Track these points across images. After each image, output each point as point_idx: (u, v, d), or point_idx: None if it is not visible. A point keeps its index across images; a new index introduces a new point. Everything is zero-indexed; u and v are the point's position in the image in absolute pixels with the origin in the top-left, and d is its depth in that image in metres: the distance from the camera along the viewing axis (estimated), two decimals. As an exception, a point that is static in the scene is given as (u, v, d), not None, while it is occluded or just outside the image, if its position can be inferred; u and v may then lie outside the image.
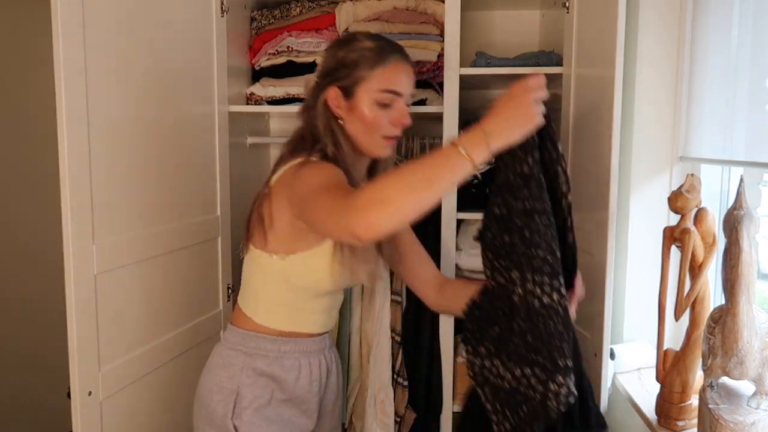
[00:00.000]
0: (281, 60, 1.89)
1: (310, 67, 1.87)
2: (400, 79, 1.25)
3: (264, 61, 1.92)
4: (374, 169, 1.36)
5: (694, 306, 1.26)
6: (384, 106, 1.24)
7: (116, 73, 1.30)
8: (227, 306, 1.78)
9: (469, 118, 1.69)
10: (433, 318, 1.76)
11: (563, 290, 1.07)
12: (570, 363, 1.07)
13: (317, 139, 1.25)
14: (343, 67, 1.24)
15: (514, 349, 1.11)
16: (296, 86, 1.87)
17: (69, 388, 1.21)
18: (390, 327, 1.77)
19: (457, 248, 1.78)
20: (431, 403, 1.79)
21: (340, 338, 1.81)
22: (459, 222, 1.78)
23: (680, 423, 1.27)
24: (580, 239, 1.48)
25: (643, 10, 1.55)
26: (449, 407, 1.80)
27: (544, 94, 0.99)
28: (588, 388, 1.21)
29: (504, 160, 1.08)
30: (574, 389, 1.07)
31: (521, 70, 1.76)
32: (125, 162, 1.34)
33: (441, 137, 1.76)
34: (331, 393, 1.40)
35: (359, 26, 1.83)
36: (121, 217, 1.33)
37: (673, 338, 1.44)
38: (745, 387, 1.16)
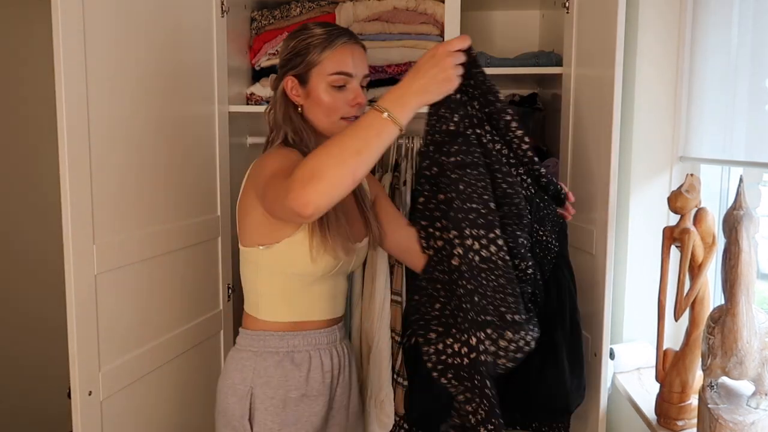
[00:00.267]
0: (281, 60, 1.89)
1: (310, 67, 1.87)
2: (349, 60, 1.28)
3: (264, 61, 1.92)
4: None
5: (694, 306, 1.26)
6: (338, 88, 1.28)
7: (116, 74, 1.30)
8: (227, 306, 1.78)
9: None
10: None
11: (500, 242, 1.08)
12: (520, 317, 1.08)
13: (280, 128, 1.31)
14: (296, 55, 1.29)
15: (463, 318, 1.11)
16: (296, 86, 1.87)
17: (69, 388, 1.21)
18: (390, 327, 1.77)
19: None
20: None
21: (340, 338, 1.81)
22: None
23: (680, 423, 1.27)
24: (581, 239, 1.49)
25: (643, 9, 1.55)
26: (449, 407, 1.80)
27: (463, 57, 1.05)
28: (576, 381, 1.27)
29: (430, 122, 1.12)
30: (525, 345, 1.08)
31: (521, 70, 1.76)
32: (125, 162, 1.34)
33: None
34: (344, 386, 1.40)
35: (359, 26, 1.83)
36: (121, 217, 1.33)
37: (673, 338, 1.44)
38: (744, 387, 1.16)
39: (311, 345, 1.33)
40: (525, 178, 1.23)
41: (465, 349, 1.11)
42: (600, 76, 1.40)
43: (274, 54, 1.90)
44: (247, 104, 1.92)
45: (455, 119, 1.10)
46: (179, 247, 1.54)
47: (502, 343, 1.08)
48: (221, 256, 1.74)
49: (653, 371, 1.34)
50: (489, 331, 1.08)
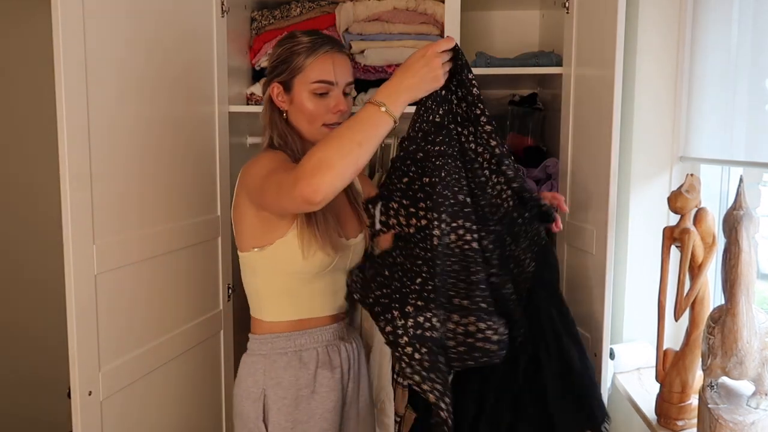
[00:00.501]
0: (281, 60, 1.89)
1: (310, 68, 1.87)
2: (330, 68, 1.31)
3: (264, 61, 1.92)
4: None
5: (694, 306, 1.26)
6: (321, 95, 1.31)
7: (116, 74, 1.30)
8: (227, 306, 1.78)
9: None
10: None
11: (461, 231, 1.16)
12: (470, 304, 1.14)
13: (267, 132, 1.37)
14: (281, 63, 1.33)
15: (445, 295, 1.16)
16: (296, 86, 1.87)
17: (69, 388, 1.21)
18: (390, 327, 1.77)
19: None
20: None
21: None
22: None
23: (680, 423, 1.27)
24: (581, 239, 1.49)
25: (643, 10, 1.55)
26: (449, 407, 1.79)
27: (447, 57, 1.14)
28: (590, 380, 1.24)
29: (418, 112, 1.23)
30: (477, 331, 1.13)
31: (521, 71, 1.76)
32: (125, 162, 1.34)
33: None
34: (355, 380, 1.42)
35: (359, 26, 1.83)
36: (121, 217, 1.33)
37: (673, 338, 1.44)
38: (744, 387, 1.16)
39: (318, 342, 1.35)
40: (505, 188, 1.24)
41: (445, 327, 1.16)
42: (600, 76, 1.40)
43: (274, 54, 1.90)
44: (247, 104, 1.92)
45: (440, 112, 1.22)
46: (179, 247, 1.54)
47: (450, 326, 1.15)
48: (221, 256, 1.74)
49: (653, 371, 1.34)
50: (438, 311, 1.15)
